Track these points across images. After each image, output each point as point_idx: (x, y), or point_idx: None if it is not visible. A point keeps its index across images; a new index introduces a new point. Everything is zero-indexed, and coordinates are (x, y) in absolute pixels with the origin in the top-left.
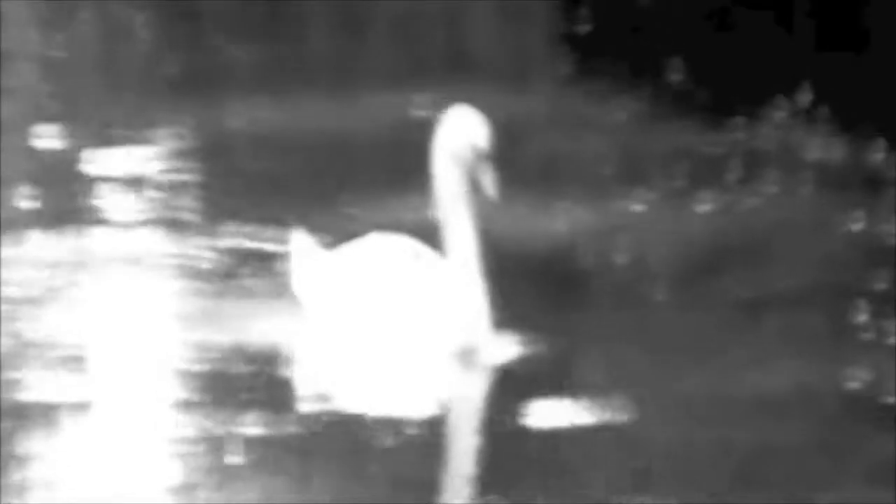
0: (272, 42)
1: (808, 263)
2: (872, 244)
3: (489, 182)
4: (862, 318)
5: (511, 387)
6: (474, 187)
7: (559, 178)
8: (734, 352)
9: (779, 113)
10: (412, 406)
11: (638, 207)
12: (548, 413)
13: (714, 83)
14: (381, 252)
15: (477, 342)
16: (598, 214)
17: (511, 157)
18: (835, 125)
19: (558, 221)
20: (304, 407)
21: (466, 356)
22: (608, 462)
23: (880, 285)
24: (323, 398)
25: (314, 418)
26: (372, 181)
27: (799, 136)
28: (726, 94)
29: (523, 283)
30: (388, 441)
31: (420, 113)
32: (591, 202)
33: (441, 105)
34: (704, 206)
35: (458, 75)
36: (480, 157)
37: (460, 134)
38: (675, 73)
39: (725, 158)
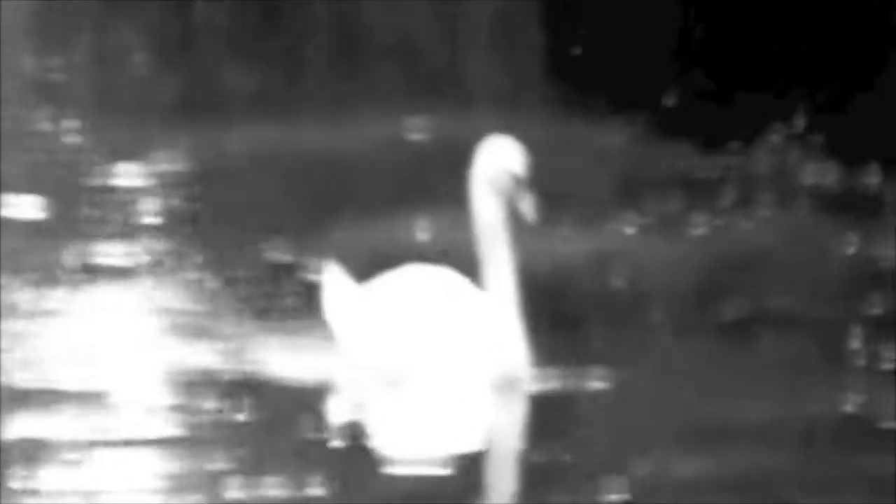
0: (268, 66)
1: (803, 287)
2: (867, 268)
3: (528, 207)
4: (857, 342)
5: (548, 416)
6: (513, 215)
7: (553, 203)
8: (729, 376)
9: (774, 137)
10: (450, 439)
11: (632, 231)
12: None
13: (709, 108)
14: (418, 283)
15: (516, 373)
16: (592, 239)
17: None
18: (829, 149)
19: (553, 246)
20: (339, 440)
21: (506, 387)
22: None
23: (875, 310)
24: (357, 431)
25: (350, 451)
26: (368, 203)
27: (794, 160)
28: (721, 118)
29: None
30: (424, 474)
31: (415, 136)
32: (585, 226)
33: (436, 129)
34: (699, 229)
35: (452, 99)
36: (518, 183)
37: (497, 162)
38: (670, 98)
39: (720, 183)
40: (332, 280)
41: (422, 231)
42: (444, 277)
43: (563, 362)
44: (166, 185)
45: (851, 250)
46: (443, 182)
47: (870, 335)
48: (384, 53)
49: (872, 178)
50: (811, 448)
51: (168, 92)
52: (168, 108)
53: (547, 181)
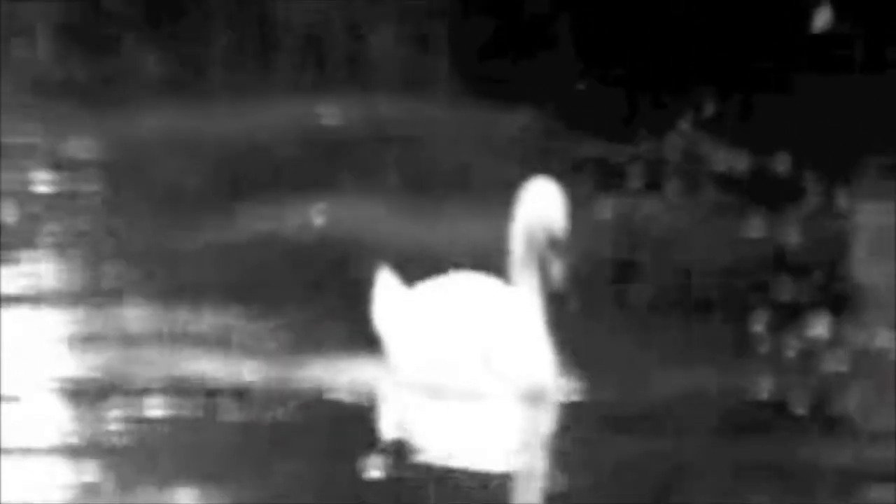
0: (179, 51)
1: (710, 273)
2: (775, 255)
3: (557, 274)
4: (763, 327)
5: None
6: (543, 266)
7: (461, 189)
8: (636, 359)
9: (684, 124)
10: (485, 447)
11: None
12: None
13: (619, 94)
14: (459, 290)
15: (545, 382)
16: (500, 224)
17: (412, 167)
18: (739, 136)
19: (461, 231)
20: (387, 449)
21: (534, 396)
22: None
23: (783, 296)
24: (405, 439)
25: (396, 459)
26: (279, 188)
27: (703, 147)
28: (631, 105)
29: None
30: (465, 480)
31: (328, 122)
32: (492, 213)
33: (347, 115)
34: (607, 214)
35: (362, 86)
36: (553, 245)
37: (537, 214)
38: (581, 83)
39: (629, 168)
40: (385, 286)
41: (327, 215)
42: (480, 286)
43: None
44: (75, 172)
45: (758, 236)
46: (353, 168)
47: (776, 321)
48: (296, 40)
49: (781, 165)
50: (718, 432)
51: (76, 78)
52: (76, 94)
53: (454, 167)
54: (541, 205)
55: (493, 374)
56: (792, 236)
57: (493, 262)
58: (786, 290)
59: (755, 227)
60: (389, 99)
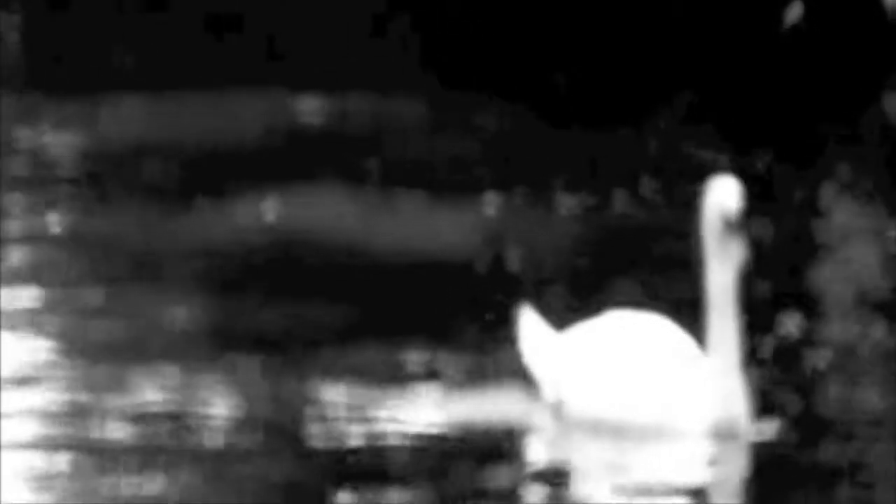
0: (153, 47)
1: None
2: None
3: (736, 251)
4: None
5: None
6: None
7: (430, 182)
8: None
9: (662, 120)
10: (665, 487)
11: (512, 211)
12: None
13: (596, 89)
14: (627, 330)
15: (735, 421)
16: (467, 217)
17: (383, 161)
18: (718, 132)
19: (429, 224)
20: (539, 488)
21: (725, 435)
22: None
23: (759, 290)
24: (560, 477)
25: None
26: (256, 183)
27: (682, 142)
28: (609, 100)
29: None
30: None
31: (306, 119)
32: (461, 206)
33: (324, 111)
34: (577, 209)
35: (334, 82)
36: (728, 226)
37: (716, 203)
38: (554, 78)
39: (604, 163)
40: (529, 325)
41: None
42: (652, 324)
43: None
44: (43, 166)
45: None
46: (318, 163)
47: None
48: (265, 36)
49: (760, 160)
50: None
51: (40, 71)
52: (43, 87)
53: (426, 163)
54: (718, 196)
55: (681, 411)
56: (766, 233)
57: (453, 256)
58: (759, 287)
59: None
60: (355, 94)
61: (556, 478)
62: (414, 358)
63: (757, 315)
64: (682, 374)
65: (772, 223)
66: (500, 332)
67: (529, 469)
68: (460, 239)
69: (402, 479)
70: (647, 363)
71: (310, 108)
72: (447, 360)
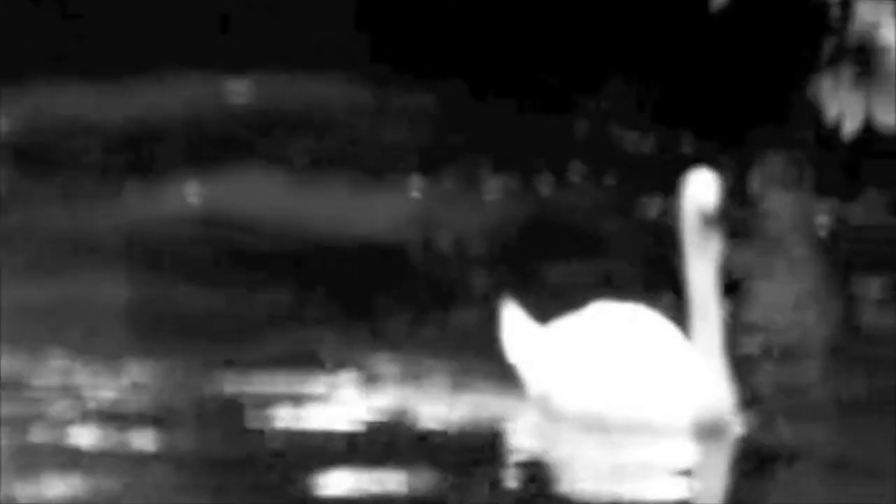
0: (77, 28)
1: (608, 253)
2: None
3: (715, 246)
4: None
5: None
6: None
7: (361, 166)
8: None
9: (589, 103)
10: (648, 483)
11: (440, 194)
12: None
13: (526, 73)
14: (613, 323)
15: (720, 416)
16: (394, 200)
17: (311, 143)
18: (644, 116)
19: (357, 207)
20: (523, 484)
21: (709, 430)
22: None
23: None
24: (542, 473)
25: (532, 496)
26: (183, 164)
27: (608, 126)
28: (539, 84)
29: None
30: None
31: (237, 101)
32: (388, 188)
33: (252, 93)
34: (501, 193)
35: (268, 64)
36: (707, 220)
37: (695, 197)
38: (481, 61)
39: (533, 147)
40: (512, 319)
41: (219, 192)
42: (638, 316)
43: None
44: None
45: (657, 216)
46: (259, 146)
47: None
48: (195, 18)
49: (686, 145)
50: None
51: None
52: None
53: (354, 146)
54: (696, 189)
55: (666, 404)
56: None
57: (381, 239)
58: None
59: (656, 208)
60: (284, 75)
61: (540, 471)
62: (341, 342)
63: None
64: (668, 367)
65: None
66: (429, 314)
67: (512, 461)
68: (388, 222)
69: (332, 467)
70: (632, 356)
71: (238, 89)
72: (375, 345)
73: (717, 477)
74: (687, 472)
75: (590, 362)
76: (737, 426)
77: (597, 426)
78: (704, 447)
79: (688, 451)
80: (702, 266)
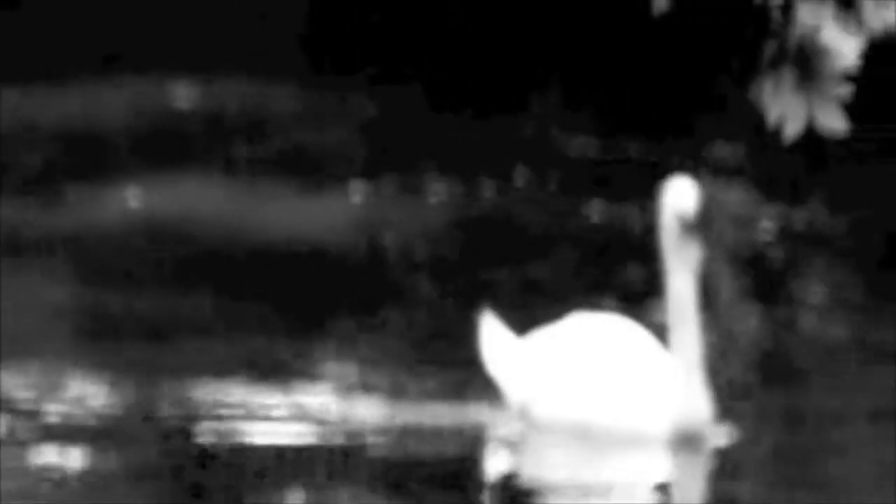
0: (19, 32)
1: (551, 257)
2: (621, 240)
3: (693, 253)
4: (607, 308)
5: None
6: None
7: (304, 171)
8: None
9: (534, 107)
10: (627, 493)
11: (383, 198)
12: None
13: (463, 75)
14: (592, 333)
15: (698, 426)
16: (338, 204)
17: (257, 148)
18: (587, 120)
19: (300, 211)
20: (498, 493)
21: (687, 441)
22: None
23: (629, 278)
24: (518, 485)
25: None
26: (127, 169)
27: (552, 130)
28: (477, 85)
29: (281, 275)
30: None
31: (180, 105)
32: (332, 193)
33: (196, 97)
34: (445, 197)
35: (214, 69)
36: (686, 228)
37: (674, 205)
38: (424, 66)
39: (477, 151)
40: (491, 330)
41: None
42: (616, 326)
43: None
44: None
45: (600, 220)
46: (202, 150)
47: (622, 307)
48: (139, 21)
49: (629, 149)
50: None
51: None
52: None
53: (298, 150)
54: (675, 197)
55: (645, 414)
56: (637, 222)
57: (325, 244)
58: (631, 276)
59: (598, 210)
60: (228, 79)
61: (519, 481)
62: (284, 348)
63: (629, 303)
64: (646, 377)
65: (642, 210)
66: (373, 320)
67: (492, 472)
68: (331, 227)
69: (268, 475)
70: (612, 366)
71: (182, 93)
72: (320, 350)
73: (695, 487)
74: (665, 483)
75: (569, 373)
76: (715, 436)
77: (576, 436)
78: (682, 457)
79: (666, 461)
80: (681, 275)
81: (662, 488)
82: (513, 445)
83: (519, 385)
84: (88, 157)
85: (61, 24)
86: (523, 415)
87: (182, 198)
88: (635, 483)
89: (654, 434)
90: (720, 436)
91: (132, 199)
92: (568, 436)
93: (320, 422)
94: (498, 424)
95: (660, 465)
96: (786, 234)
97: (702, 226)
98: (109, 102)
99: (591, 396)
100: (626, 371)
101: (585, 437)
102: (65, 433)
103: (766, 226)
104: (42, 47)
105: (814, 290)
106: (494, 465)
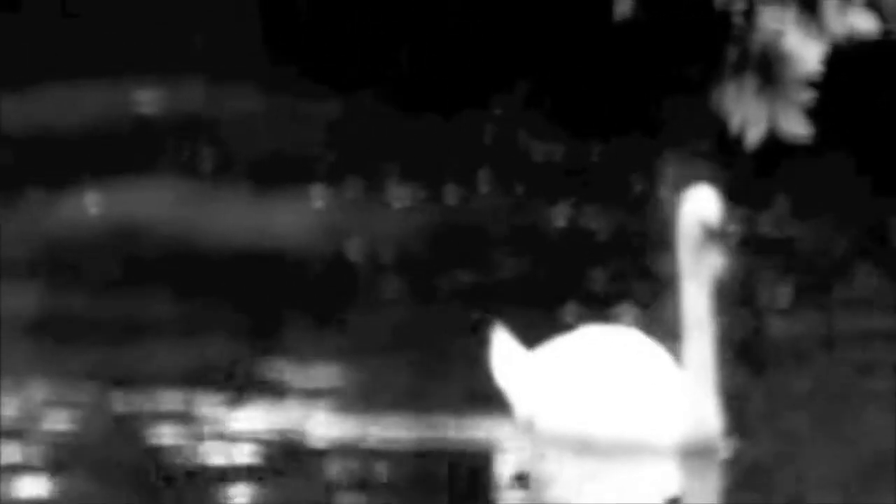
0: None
1: (516, 261)
2: (584, 243)
3: (715, 259)
4: (574, 318)
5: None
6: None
7: (267, 174)
8: (451, 348)
9: (497, 110)
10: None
11: (346, 202)
12: None
13: (426, 79)
14: (602, 346)
15: (709, 437)
16: (300, 208)
17: (218, 151)
18: (551, 123)
19: (262, 215)
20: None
21: (697, 452)
22: None
23: (592, 284)
24: (530, 496)
25: None
26: (86, 172)
27: (516, 133)
28: (440, 88)
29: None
30: None
31: (142, 109)
32: (294, 196)
33: (161, 101)
34: (408, 201)
35: (177, 73)
36: (709, 234)
37: (695, 212)
38: (387, 69)
39: (443, 154)
40: (501, 344)
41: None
42: (626, 339)
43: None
44: None
45: (565, 224)
46: (163, 154)
47: (586, 312)
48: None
49: (593, 153)
50: None
51: None
52: None
53: (260, 153)
54: (697, 205)
55: (654, 427)
56: (602, 226)
57: (287, 248)
58: (596, 280)
59: (563, 214)
60: (188, 82)
61: (528, 491)
62: (244, 353)
63: (594, 307)
64: (656, 391)
65: (605, 216)
66: (335, 324)
67: (502, 484)
68: (293, 231)
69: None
70: (621, 379)
71: (143, 97)
72: (280, 355)
73: (706, 499)
74: (675, 494)
75: (578, 385)
76: (724, 447)
77: (585, 450)
78: (692, 468)
79: (677, 474)
80: (696, 284)
81: (674, 502)
82: (520, 459)
83: (528, 398)
84: (48, 161)
85: (22, 28)
86: (531, 427)
87: (143, 201)
88: (646, 496)
89: (665, 446)
90: (728, 446)
91: (92, 202)
92: (577, 449)
93: (281, 431)
94: (500, 439)
95: (671, 478)
96: (749, 238)
97: (724, 234)
98: (70, 106)
99: (601, 409)
100: (635, 383)
101: (595, 450)
102: (24, 436)
103: (730, 230)
104: (2, 51)
105: (779, 295)
106: (504, 473)
